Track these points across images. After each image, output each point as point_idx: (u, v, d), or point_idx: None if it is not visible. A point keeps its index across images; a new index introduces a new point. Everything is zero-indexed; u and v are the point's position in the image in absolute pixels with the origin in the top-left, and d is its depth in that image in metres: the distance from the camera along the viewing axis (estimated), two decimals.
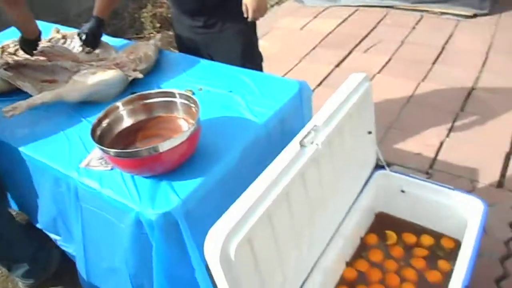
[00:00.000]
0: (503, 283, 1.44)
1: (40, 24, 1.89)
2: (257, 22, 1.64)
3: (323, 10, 3.71)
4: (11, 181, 1.42)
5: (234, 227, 0.82)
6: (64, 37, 1.70)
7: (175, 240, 1.00)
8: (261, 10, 1.55)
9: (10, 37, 1.71)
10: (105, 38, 1.72)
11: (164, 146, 0.97)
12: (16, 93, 1.46)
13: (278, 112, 1.25)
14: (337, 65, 2.86)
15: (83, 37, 1.57)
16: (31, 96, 1.39)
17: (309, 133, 1.04)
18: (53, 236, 1.42)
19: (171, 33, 3.71)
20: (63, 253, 1.59)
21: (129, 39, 1.81)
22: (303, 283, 1.11)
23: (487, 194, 1.73)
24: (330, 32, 3.32)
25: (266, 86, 1.36)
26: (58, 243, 1.42)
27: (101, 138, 1.06)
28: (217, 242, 0.79)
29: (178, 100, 1.13)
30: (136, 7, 3.83)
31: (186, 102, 1.12)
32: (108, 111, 1.11)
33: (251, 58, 1.67)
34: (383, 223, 1.42)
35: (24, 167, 1.28)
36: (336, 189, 1.22)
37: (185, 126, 1.14)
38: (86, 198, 1.10)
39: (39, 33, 1.53)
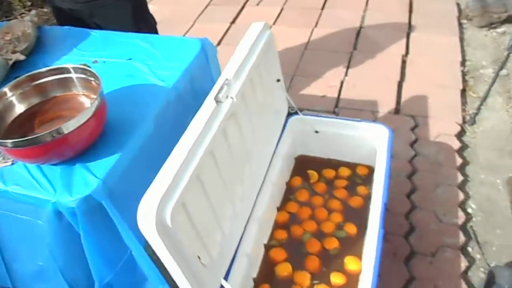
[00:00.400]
0: (413, 196, 1.62)
1: None
2: None
3: None
4: None
5: (165, 193, 0.79)
6: None
7: (103, 224, 0.94)
8: None
9: None
10: None
11: (69, 126, 0.89)
12: None
13: (185, 72, 1.21)
14: (233, 22, 2.83)
15: None
16: None
17: (221, 87, 1.02)
18: None
19: (46, 10, 3.34)
20: None
21: None
22: (241, 236, 1.13)
23: (387, 121, 1.89)
24: None
25: (166, 48, 1.30)
26: None
27: None
28: (151, 211, 0.76)
29: (73, 75, 1.03)
30: None
31: (83, 76, 1.02)
32: None
33: (145, 21, 1.57)
34: (303, 165, 1.48)
35: None
36: (256, 140, 1.24)
37: (88, 102, 1.05)
38: None
39: None
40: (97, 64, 1.28)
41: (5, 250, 1.08)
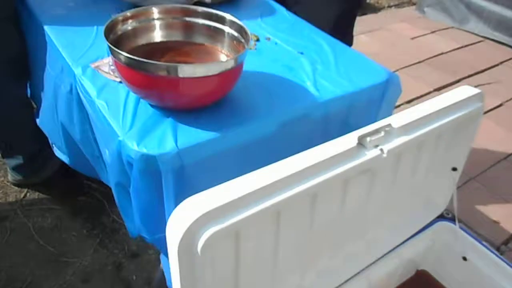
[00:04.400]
0: None
1: None
2: (367, 18, 1.34)
3: (444, 29, 3.26)
4: (31, 62, 1.27)
5: (218, 209, 0.55)
6: None
7: (155, 190, 0.76)
8: None
9: None
10: None
11: (185, 71, 0.72)
12: None
13: (349, 95, 0.95)
14: (438, 89, 2.45)
15: None
16: None
17: (377, 131, 0.73)
18: (49, 138, 1.24)
19: None
20: (61, 166, 1.44)
21: None
22: None
23: None
24: (443, 53, 2.88)
25: (346, 62, 1.06)
26: (54, 147, 1.25)
27: (118, 42, 0.82)
28: (184, 220, 0.53)
29: (227, 29, 0.86)
30: None
31: (236, 34, 0.85)
32: (139, 12, 0.86)
33: (343, 34, 1.35)
34: (422, 286, 1.08)
35: (43, 49, 1.10)
36: (382, 220, 0.91)
37: (223, 59, 0.87)
38: (86, 105, 0.88)
39: None
40: (268, 41, 1.11)
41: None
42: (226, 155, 0.80)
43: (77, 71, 0.89)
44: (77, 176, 1.35)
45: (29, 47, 1.26)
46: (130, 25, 0.85)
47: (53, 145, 1.25)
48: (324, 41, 1.13)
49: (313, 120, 0.91)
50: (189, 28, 0.88)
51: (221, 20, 0.87)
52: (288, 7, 1.35)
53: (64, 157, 1.18)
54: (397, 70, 2.58)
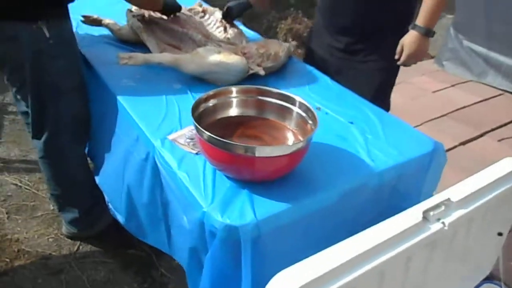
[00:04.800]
0: None
1: None
2: None
3: (463, 82, 3.36)
4: (95, 125, 1.38)
5: (309, 283, 0.62)
6: (204, 11, 1.65)
7: (233, 259, 0.83)
8: (418, 57, 1.36)
9: None
10: (241, 28, 1.65)
11: (262, 151, 0.82)
12: (141, 47, 1.42)
13: (400, 166, 1.03)
14: (463, 143, 2.52)
15: (228, 8, 1.54)
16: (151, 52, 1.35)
17: (438, 205, 0.80)
18: (107, 197, 1.33)
19: (299, 51, 3.65)
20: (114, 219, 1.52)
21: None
22: None
23: None
24: (465, 106, 2.97)
25: (392, 131, 1.14)
26: (110, 205, 1.33)
27: (201, 117, 0.93)
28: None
29: (295, 109, 0.97)
30: (277, 16, 3.83)
31: (303, 114, 0.95)
32: (219, 92, 0.98)
33: (382, 101, 1.45)
34: None
35: (113, 116, 1.21)
36: None
37: (291, 139, 0.97)
38: (163, 173, 0.98)
39: (180, 7, 1.50)
40: (319, 111, 1.21)
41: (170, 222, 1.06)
42: (295, 224, 0.87)
43: (156, 143, 0.99)
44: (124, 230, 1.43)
45: (94, 111, 1.37)
46: (211, 102, 0.96)
47: (109, 203, 1.33)
48: (370, 111, 1.23)
49: (368, 189, 0.99)
50: (261, 105, 1.00)
51: (291, 100, 0.97)
52: (330, 76, 1.46)
53: (119, 217, 1.25)
54: (421, 124, 2.67)
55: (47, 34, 1.16)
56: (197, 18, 1.61)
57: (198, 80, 1.29)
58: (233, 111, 1.00)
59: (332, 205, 0.92)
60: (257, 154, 0.82)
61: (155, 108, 1.13)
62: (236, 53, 1.31)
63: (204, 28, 1.55)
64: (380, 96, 1.43)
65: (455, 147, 2.47)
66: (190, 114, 0.88)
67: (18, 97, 1.32)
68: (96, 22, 1.53)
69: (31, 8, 1.14)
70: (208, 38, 1.46)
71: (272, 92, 0.99)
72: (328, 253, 0.69)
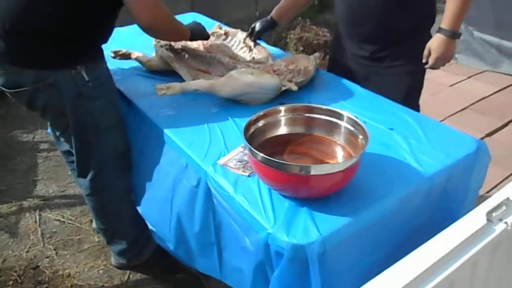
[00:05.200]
0: None
1: (203, 20, 1.94)
2: None
3: (479, 73, 3.35)
4: (134, 157, 1.41)
5: None
6: (226, 33, 1.70)
7: (299, 278, 0.85)
8: (446, 60, 1.37)
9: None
10: (263, 44, 1.68)
11: (318, 169, 0.84)
12: (171, 75, 1.46)
13: (448, 168, 1.04)
14: (489, 135, 2.51)
15: (253, 28, 1.58)
16: (183, 80, 1.39)
17: (499, 206, 0.81)
18: (150, 226, 1.36)
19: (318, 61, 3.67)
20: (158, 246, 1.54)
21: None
22: None
23: None
24: (484, 97, 2.96)
25: (434, 134, 1.16)
26: (154, 234, 1.35)
27: (251, 138, 0.96)
28: None
29: (343, 123, 0.99)
30: (285, 27, 3.87)
31: (352, 128, 0.97)
32: (268, 112, 1.01)
33: (410, 105, 1.45)
34: None
35: (156, 148, 1.25)
36: None
37: (340, 153, 0.99)
38: (217, 198, 1.00)
39: (208, 36, 1.53)
40: None
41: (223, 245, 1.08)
42: (356, 236, 0.88)
43: (208, 169, 1.02)
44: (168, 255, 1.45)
45: (134, 143, 1.40)
46: (260, 122, 0.99)
47: (154, 232, 1.36)
48: (407, 115, 1.24)
49: (420, 194, 1.00)
50: (309, 122, 1.02)
51: (338, 115, 0.99)
52: (358, 83, 1.48)
53: (167, 244, 1.26)
54: (444, 119, 2.67)
55: (86, 78, 1.19)
56: (220, 41, 1.65)
57: (233, 102, 1.32)
58: (282, 130, 1.03)
59: (389, 214, 0.93)
60: (312, 172, 0.84)
61: (199, 135, 1.16)
62: (267, 72, 1.34)
63: (230, 50, 1.59)
64: (409, 99, 1.44)
65: (482, 138, 2.46)
66: (242, 135, 0.91)
67: (62, 139, 1.36)
68: (126, 56, 1.58)
69: (70, 55, 1.18)
70: (235, 60, 1.49)
71: (319, 108, 1.02)
72: (397, 268, 0.70)
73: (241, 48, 1.62)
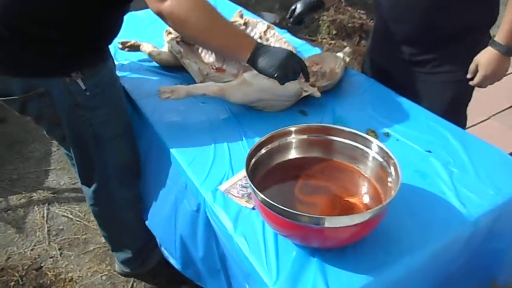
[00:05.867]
0: None
1: (225, 4, 1.75)
2: None
3: None
4: (141, 162, 1.29)
5: None
6: (245, 23, 1.51)
7: None
8: (495, 79, 1.15)
9: None
10: (286, 37, 1.50)
11: (333, 222, 0.68)
12: (181, 72, 1.32)
13: (498, 208, 0.85)
14: None
15: (294, 10, 1.35)
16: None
17: None
18: (159, 240, 1.24)
19: (345, 43, 3.42)
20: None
21: (300, 38, 1.56)
22: None
23: None
24: None
25: (481, 159, 0.96)
26: (161, 247, 1.24)
27: (256, 166, 0.81)
28: None
29: (371, 152, 0.81)
30: None
31: (381, 160, 0.79)
32: (277, 134, 0.84)
33: (454, 118, 1.18)
34: None
35: (158, 157, 1.11)
36: None
37: (365, 188, 0.82)
38: (217, 231, 0.86)
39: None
40: (388, 138, 1.05)
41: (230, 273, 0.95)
42: None
43: (207, 196, 0.88)
44: None
45: (141, 151, 1.27)
46: (265, 148, 0.83)
47: (162, 247, 1.24)
48: (449, 133, 1.05)
49: (460, 240, 0.82)
50: (329, 145, 0.85)
51: (366, 142, 0.82)
52: (394, 89, 1.26)
53: (175, 262, 1.15)
54: (489, 118, 2.39)
55: (83, 86, 1.02)
56: None
57: (246, 108, 1.16)
58: (293, 153, 0.86)
59: (420, 267, 0.77)
60: (326, 225, 0.68)
61: (202, 150, 1.01)
62: None
63: None
64: (453, 113, 1.20)
65: None
66: (245, 163, 0.75)
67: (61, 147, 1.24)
68: (134, 48, 1.44)
69: (61, 60, 1.00)
70: None
71: (343, 130, 0.83)
72: None
73: (261, 41, 1.45)
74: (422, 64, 1.22)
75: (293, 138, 0.86)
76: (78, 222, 1.73)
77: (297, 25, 1.40)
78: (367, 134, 1.04)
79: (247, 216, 0.83)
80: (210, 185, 0.91)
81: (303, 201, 0.79)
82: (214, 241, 0.93)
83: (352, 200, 0.79)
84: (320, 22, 3.48)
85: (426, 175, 0.92)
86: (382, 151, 0.79)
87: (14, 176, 1.99)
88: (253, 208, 0.84)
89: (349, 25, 3.40)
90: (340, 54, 1.34)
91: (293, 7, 1.38)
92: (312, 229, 0.67)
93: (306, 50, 1.50)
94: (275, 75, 0.94)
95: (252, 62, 0.95)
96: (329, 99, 1.21)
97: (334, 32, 3.43)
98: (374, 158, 0.80)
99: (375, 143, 0.80)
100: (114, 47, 1.46)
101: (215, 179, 0.92)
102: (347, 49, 1.40)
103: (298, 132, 0.85)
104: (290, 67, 0.96)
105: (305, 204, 0.78)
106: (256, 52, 0.94)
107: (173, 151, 1.02)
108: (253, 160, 0.80)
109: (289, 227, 0.70)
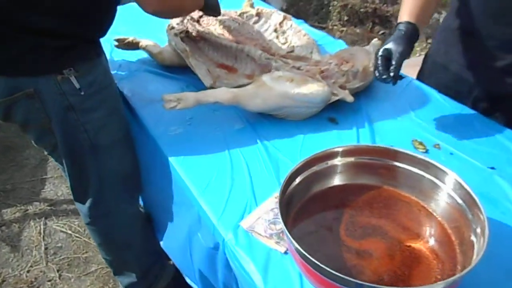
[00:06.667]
0: None
1: None
2: None
3: None
4: (144, 175, 1.13)
5: None
6: (258, 14, 1.33)
7: None
8: None
9: None
10: (304, 28, 1.31)
11: None
12: (187, 72, 1.14)
13: None
14: None
15: None
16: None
17: None
18: (177, 264, 1.08)
19: (357, 30, 3.21)
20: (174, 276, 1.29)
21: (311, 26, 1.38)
22: None
23: None
24: None
25: None
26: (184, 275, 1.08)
27: (289, 199, 0.64)
28: None
29: (445, 187, 0.63)
30: None
31: (459, 201, 0.61)
32: (316, 157, 0.66)
33: None
34: None
35: (164, 177, 0.95)
36: None
37: (432, 232, 0.64)
38: (240, 279, 0.70)
39: (219, 13, 1.15)
40: (439, 151, 0.87)
41: None
42: None
43: (227, 235, 0.71)
44: (188, 286, 1.19)
45: (142, 162, 1.11)
46: (300, 177, 0.66)
47: (183, 274, 1.08)
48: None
49: None
50: (387, 171, 0.68)
51: (440, 174, 0.64)
52: (464, 103, 1.02)
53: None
54: None
55: (77, 85, 0.89)
56: (251, 25, 1.29)
57: (264, 116, 0.99)
58: (337, 179, 0.69)
59: None
60: None
61: (217, 173, 0.84)
62: (312, 76, 0.99)
63: (262, 39, 1.23)
64: None
65: None
66: (278, 203, 0.59)
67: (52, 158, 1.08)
68: (133, 46, 1.26)
69: (52, 55, 0.86)
70: (269, 53, 1.14)
71: (407, 155, 0.65)
72: None
73: (276, 35, 1.27)
74: None
75: (339, 161, 0.68)
76: (77, 239, 1.57)
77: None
78: (414, 146, 0.88)
79: (278, 263, 0.66)
80: (229, 220, 0.74)
81: (352, 248, 0.61)
82: (236, 285, 0.77)
83: (415, 245, 0.61)
84: (331, 7, 3.27)
85: (490, 199, 0.75)
86: (460, 189, 0.60)
87: (8, 187, 1.83)
88: (285, 253, 0.67)
89: (362, 10, 3.18)
90: (369, 48, 1.16)
91: None
92: None
93: (328, 43, 1.32)
94: None
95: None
96: (362, 103, 1.03)
97: (346, 18, 3.22)
98: (448, 195, 0.62)
99: (454, 176, 0.61)
100: (110, 45, 1.28)
101: (235, 211, 0.75)
102: (375, 41, 1.21)
103: (345, 153, 0.67)
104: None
105: (354, 252, 0.61)
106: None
107: (182, 174, 0.85)
108: (286, 193, 0.63)
109: (327, 285, 0.53)
